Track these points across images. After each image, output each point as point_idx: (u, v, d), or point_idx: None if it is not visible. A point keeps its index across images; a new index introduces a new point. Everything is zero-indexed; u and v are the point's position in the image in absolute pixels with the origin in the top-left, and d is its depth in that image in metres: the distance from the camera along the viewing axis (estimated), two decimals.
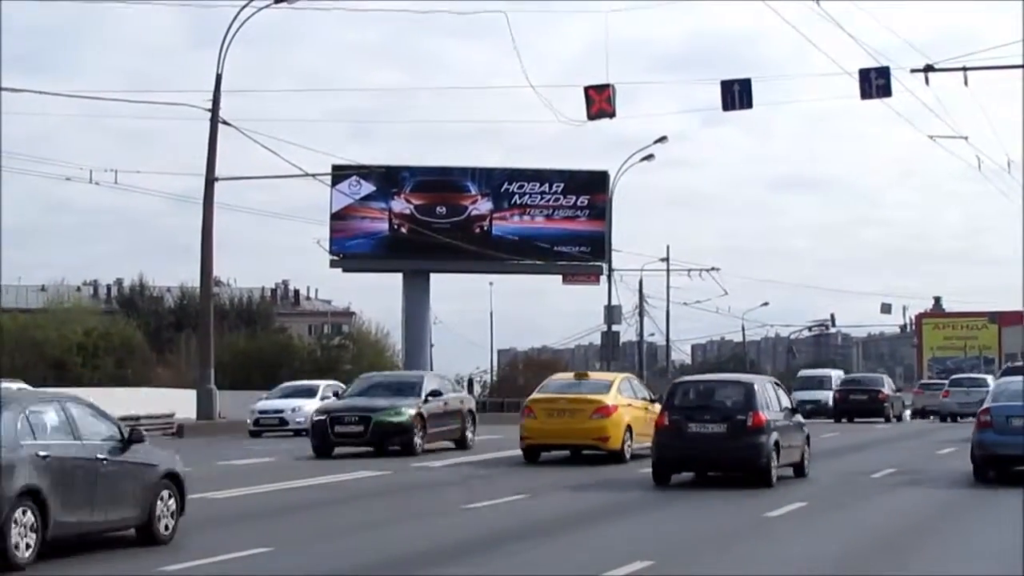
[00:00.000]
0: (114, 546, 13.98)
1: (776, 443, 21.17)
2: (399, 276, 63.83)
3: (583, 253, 62.08)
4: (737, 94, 29.97)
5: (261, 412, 38.78)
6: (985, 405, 22.41)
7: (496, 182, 62.81)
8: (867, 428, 43.24)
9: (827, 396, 52.26)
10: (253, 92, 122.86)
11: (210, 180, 33.63)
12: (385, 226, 62.08)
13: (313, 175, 40.28)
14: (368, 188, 61.43)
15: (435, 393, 28.85)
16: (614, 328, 59.81)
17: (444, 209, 62.01)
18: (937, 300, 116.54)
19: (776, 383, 23.78)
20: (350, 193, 60.96)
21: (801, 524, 16.61)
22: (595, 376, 29.29)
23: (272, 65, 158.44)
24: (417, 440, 27.79)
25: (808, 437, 23.56)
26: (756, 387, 21.81)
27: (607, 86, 30.47)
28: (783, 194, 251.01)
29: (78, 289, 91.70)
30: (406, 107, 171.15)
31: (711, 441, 21.07)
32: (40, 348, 60.44)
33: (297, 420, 37.12)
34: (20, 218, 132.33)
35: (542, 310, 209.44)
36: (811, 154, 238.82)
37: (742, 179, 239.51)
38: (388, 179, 61.12)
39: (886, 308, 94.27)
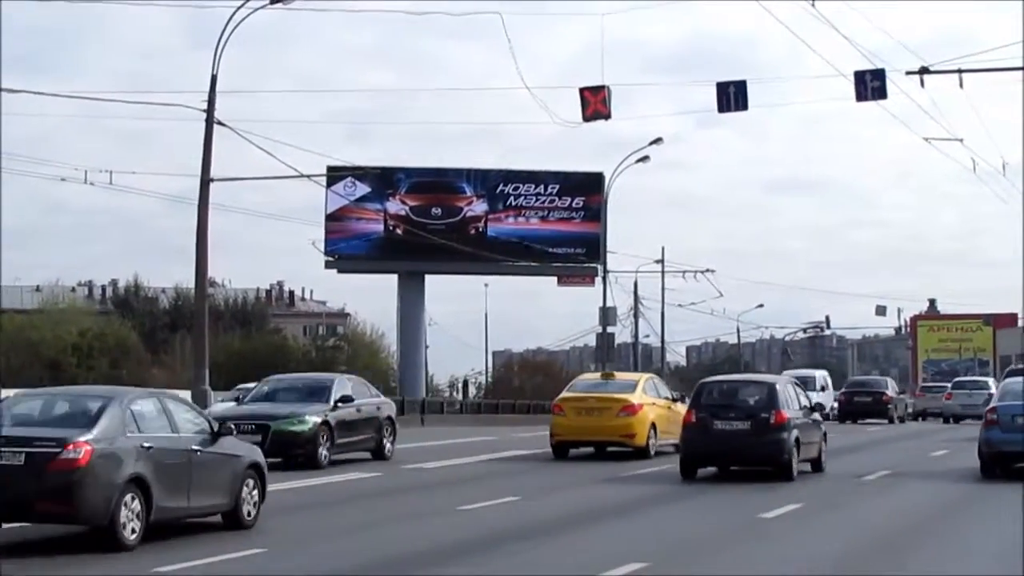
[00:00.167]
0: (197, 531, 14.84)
1: (796, 439, 22.42)
2: (394, 277, 63.85)
3: (578, 255, 62.12)
4: (732, 96, 29.90)
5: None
6: (992, 404, 23.45)
7: (491, 183, 62.85)
8: (868, 429, 43.25)
9: (811, 397, 52.45)
10: (249, 93, 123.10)
11: (205, 181, 33.48)
12: (380, 227, 62.11)
13: (308, 176, 40.10)
14: (363, 189, 61.47)
15: (346, 399, 25.67)
16: (609, 330, 59.72)
17: (439, 210, 62.03)
18: (932, 302, 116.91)
19: (796, 383, 24.94)
20: (345, 194, 61.00)
21: (797, 525, 16.63)
22: (621, 376, 30.95)
23: (268, 66, 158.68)
24: (323, 452, 24.62)
25: (825, 435, 24.75)
26: (778, 387, 23.07)
27: (602, 87, 30.41)
28: (778, 196, 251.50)
29: (73, 290, 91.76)
30: (402, 108, 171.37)
31: (736, 438, 22.32)
32: (35, 349, 60.45)
33: None
34: (16, 219, 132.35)
35: (537, 312, 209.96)
36: (806, 156, 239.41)
37: (737, 181, 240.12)
38: (383, 180, 61.15)
39: (881, 310, 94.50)
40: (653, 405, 27.78)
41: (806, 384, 56.28)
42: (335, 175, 55.44)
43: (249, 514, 15.63)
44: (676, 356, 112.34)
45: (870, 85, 28.94)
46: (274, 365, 62.31)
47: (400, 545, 14.39)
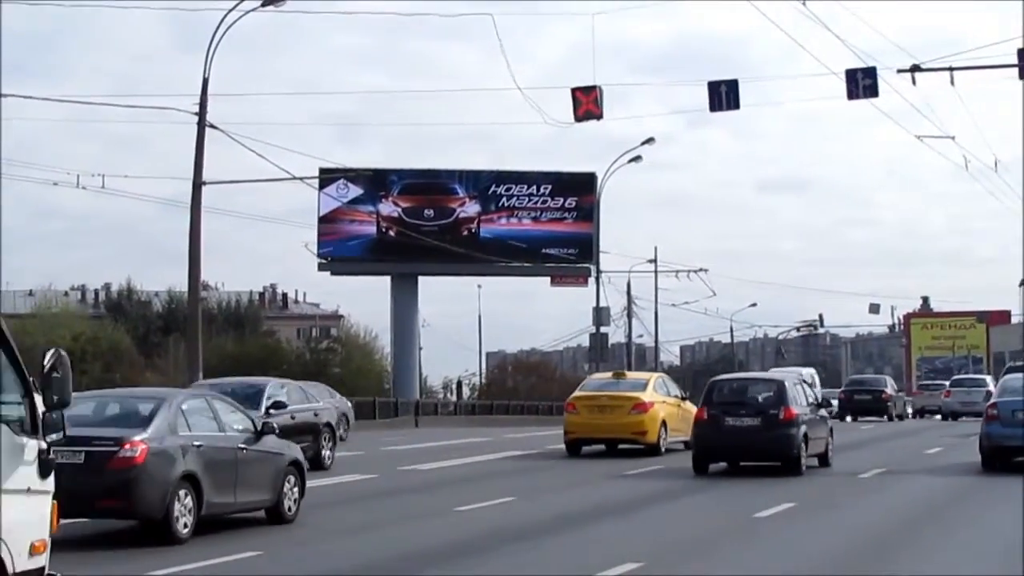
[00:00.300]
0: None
1: (805, 435, 23.15)
2: (387, 279, 63.86)
3: (571, 255, 62.14)
4: (724, 95, 29.86)
5: None
6: (992, 400, 24.27)
7: (484, 184, 62.87)
8: (868, 427, 43.28)
9: None
10: (241, 96, 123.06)
11: (197, 184, 33.46)
12: (373, 229, 62.10)
13: (300, 178, 40.10)
14: (356, 191, 61.47)
15: (279, 405, 24.36)
16: (602, 330, 59.82)
17: (432, 212, 62.04)
18: (925, 300, 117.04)
19: (804, 381, 25.78)
20: (338, 196, 61.01)
21: (790, 524, 16.64)
22: (632, 375, 32.51)
23: (260, 69, 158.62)
24: None
25: (832, 430, 25.56)
26: (787, 384, 23.89)
27: (594, 88, 30.37)
28: (771, 195, 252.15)
29: (66, 294, 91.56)
30: (393, 110, 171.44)
31: (746, 434, 23.09)
32: (28, 353, 60.22)
33: None
34: (8, 223, 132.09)
35: (530, 312, 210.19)
36: (798, 155, 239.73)
37: (729, 180, 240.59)
38: (375, 182, 61.16)
39: (874, 308, 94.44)
40: (663, 403, 28.52)
41: None
42: (327, 177, 55.48)
43: (290, 509, 16.34)
44: (670, 356, 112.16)
45: (862, 83, 28.92)
46: (267, 368, 62.46)
47: (398, 545, 14.40)
